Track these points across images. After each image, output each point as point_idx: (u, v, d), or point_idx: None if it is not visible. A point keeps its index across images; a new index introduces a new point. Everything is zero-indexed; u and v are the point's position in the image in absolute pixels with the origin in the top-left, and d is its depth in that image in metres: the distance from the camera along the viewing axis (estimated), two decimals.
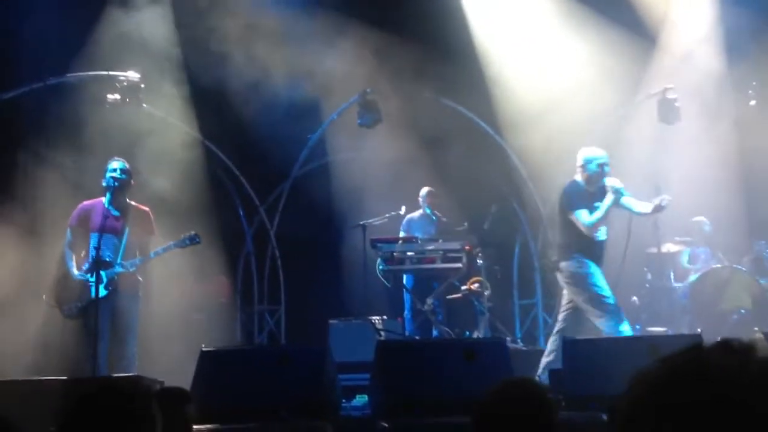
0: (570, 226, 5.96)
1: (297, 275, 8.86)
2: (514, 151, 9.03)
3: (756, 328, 5.11)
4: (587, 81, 8.39)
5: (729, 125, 8.13)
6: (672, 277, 7.77)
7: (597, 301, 5.84)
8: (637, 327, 7.73)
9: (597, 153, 6.14)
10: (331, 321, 7.37)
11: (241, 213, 9.01)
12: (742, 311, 7.17)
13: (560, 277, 6.07)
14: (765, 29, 7.95)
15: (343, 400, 5.15)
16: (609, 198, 5.89)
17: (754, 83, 7.96)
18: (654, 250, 7.77)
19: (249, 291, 8.87)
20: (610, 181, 5.96)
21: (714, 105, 8.11)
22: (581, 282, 5.89)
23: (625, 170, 8.49)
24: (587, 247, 5.92)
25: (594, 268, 5.89)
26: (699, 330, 5.40)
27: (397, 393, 4.40)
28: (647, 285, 7.90)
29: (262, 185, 9.01)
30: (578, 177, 6.10)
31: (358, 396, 5.39)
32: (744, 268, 7.48)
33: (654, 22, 8.58)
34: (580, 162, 6.12)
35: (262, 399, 4.40)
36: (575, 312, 6.01)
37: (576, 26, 8.51)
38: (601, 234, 6.01)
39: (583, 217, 5.90)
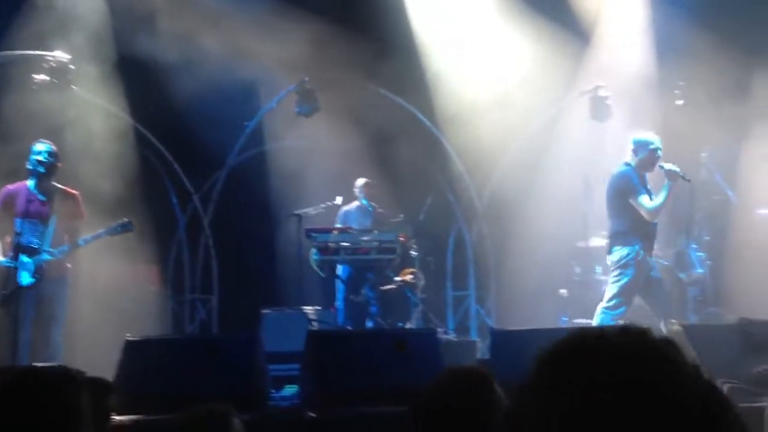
0: (626, 212, 5.94)
1: (230, 264, 8.77)
2: (451, 144, 9.13)
3: (673, 320, 5.30)
4: (524, 77, 8.54)
5: (656, 124, 8.39)
6: (599, 270, 7.98)
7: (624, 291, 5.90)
8: (564, 319, 7.94)
9: (649, 137, 6.14)
10: (263, 311, 7.32)
11: (174, 200, 8.85)
12: None
13: (608, 261, 6.11)
14: (693, 31, 8.23)
15: (273, 390, 5.13)
16: (667, 182, 5.86)
17: (681, 83, 8.23)
18: (582, 244, 7.98)
19: (181, 280, 8.73)
20: (667, 165, 5.93)
21: (643, 104, 8.36)
22: (626, 268, 5.92)
23: (556, 166, 8.73)
24: (645, 233, 5.93)
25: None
26: (620, 321, 5.57)
27: (327, 383, 4.41)
28: (575, 278, 8.11)
29: (197, 172, 8.87)
30: (630, 161, 6.07)
31: (287, 386, 5.37)
32: (666, 262, 7.74)
33: (588, 20, 8.79)
34: (631, 146, 6.10)
35: (188, 389, 4.34)
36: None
37: (514, 23, 8.65)
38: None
39: (644, 202, 5.88)
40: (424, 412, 1.90)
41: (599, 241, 8.15)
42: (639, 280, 5.94)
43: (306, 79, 8.21)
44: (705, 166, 7.90)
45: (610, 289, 6.01)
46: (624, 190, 5.97)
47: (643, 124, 8.36)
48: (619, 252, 5.96)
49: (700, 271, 7.75)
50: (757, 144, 7.94)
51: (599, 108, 8.17)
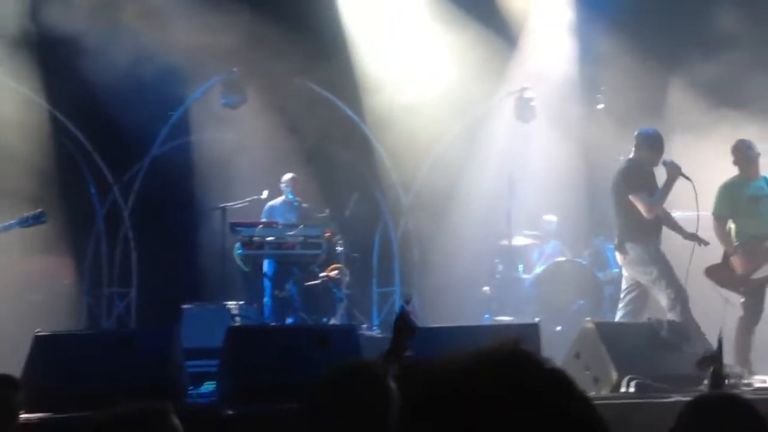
0: (630, 208, 5.85)
1: (151, 258, 8.53)
2: (379, 141, 9.15)
3: (588, 318, 5.46)
4: (452, 76, 8.65)
5: (577, 126, 8.65)
6: (521, 268, 8.17)
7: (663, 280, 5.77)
8: (487, 316, 8.08)
9: (652, 132, 6.10)
10: (184, 306, 7.17)
11: (93, 191, 8.56)
12: (581, 302, 7.65)
13: (621, 259, 6.00)
14: (615, 37, 8.50)
15: (191, 387, 5.02)
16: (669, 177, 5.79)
17: (603, 88, 8.50)
18: (505, 242, 8.14)
19: (98, 273, 8.46)
20: (669, 160, 5.88)
21: (566, 106, 8.59)
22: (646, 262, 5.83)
23: (482, 165, 8.87)
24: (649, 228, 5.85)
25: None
26: (537, 320, 5.70)
27: (245, 379, 4.35)
28: (498, 276, 8.26)
29: (117, 162, 8.60)
30: (632, 156, 6.01)
31: (206, 383, 5.27)
32: (584, 262, 7.99)
33: (515, 23, 8.97)
34: (634, 141, 6.03)
35: (102, 385, 4.21)
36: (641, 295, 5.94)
37: (443, 23, 8.74)
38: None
39: (643, 198, 5.79)
40: (314, 409, 1.88)
41: (522, 239, 8.34)
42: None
43: (234, 70, 8.08)
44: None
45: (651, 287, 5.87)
46: (625, 185, 5.89)
47: (566, 126, 8.61)
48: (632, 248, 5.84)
49: (616, 270, 8.01)
50: (672, 153, 8.23)
51: (524, 109, 8.35)
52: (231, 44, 8.01)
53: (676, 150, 7.92)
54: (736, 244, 5.97)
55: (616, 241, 6.07)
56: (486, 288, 8.32)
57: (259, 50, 8.04)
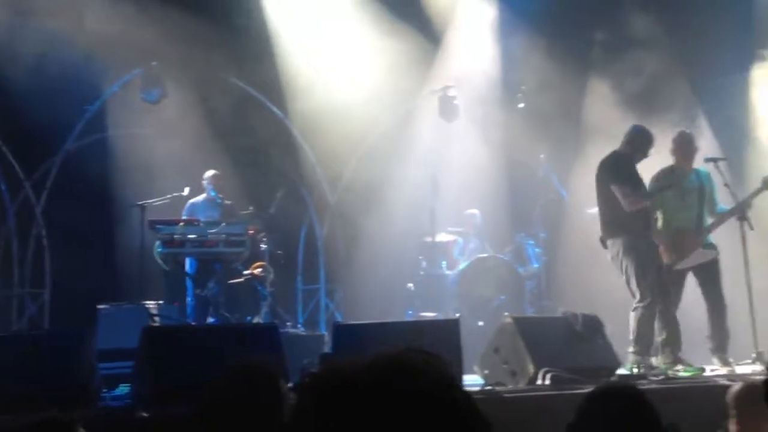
0: (611, 200, 5.78)
1: (65, 257, 8.23)
2: (304, 138, 9.10)
3: (506, 313, 5.57)
4: (377, 75, 8.67)
5: (499, 125, 8.82)
6: (444, 265, 8.26)
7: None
8: (410, 312, 8.14)
9: (642, 128, 6.06)
10: (100, 306, 6.95)
11: (3, 188, 8.20)
12: (502, 297, 7.80)
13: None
14: (536, 38, 8.70)
15: (106, 390, 4.87)
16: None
17: (523, 87, 8.68)
18: (429, 239, 8.22)
19: (8, 273, 8.10)
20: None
21: (488, 105, 8.75)
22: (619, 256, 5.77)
23: (406, 162, 8.94)
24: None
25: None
26: (458, 315, 5.79)
27: (161, 380, 4.25)
28: (422, 272, 8.33)
29: (29, 158, 8.25)
30: (620, 149, 5.96)
31: (122, 385, 5.13)
32: (506, 258, 8.15)
33: (440, 23, 9.07)
34: (627, 135, 5.97)
35: (9, 388, 4.04)
36: None
37: (370, 22, 8.75)
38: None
39: (624, 190, 5.72)
40: (209, 410, 1.85)
41: (445, 236, 8.45)
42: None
43: (154, 64, 7.87)
44: (542, 166, 8.37)
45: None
46: (606, 175, 5.87)
47: (488, 125, 8.76)
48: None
49: (536, 265, 8.22)
50: (589, 155, 8.48)
51: (448, 107, 8.45)
52: (151, 38, 7.82)
53: (593, 151, 8.19)
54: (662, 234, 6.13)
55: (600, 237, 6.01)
56: (410, 284, 8.38)
57: (181, 45, 7.87)
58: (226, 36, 8.16)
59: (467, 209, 8.70)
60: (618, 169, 5.83)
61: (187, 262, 7.75)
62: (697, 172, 6.20)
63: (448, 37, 9.10)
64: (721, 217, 6.15)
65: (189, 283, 7.74)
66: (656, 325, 5.72)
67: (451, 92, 8.51)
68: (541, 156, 8.46)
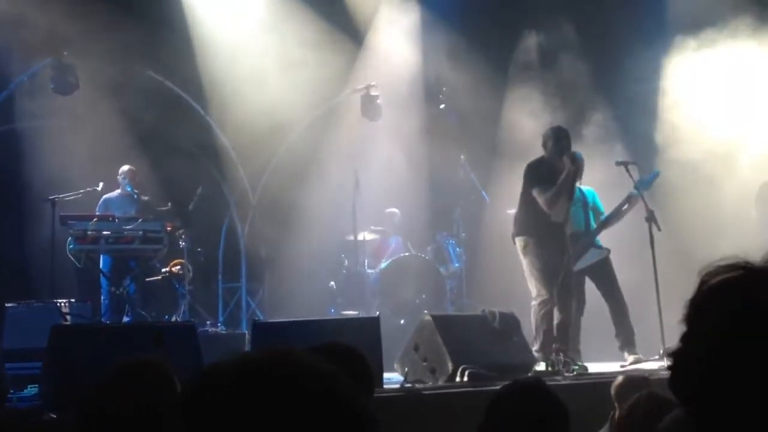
0: (527, 202, 5.87)
1: None
2: (226, 135, 8.96)
3: (426, 311, 5.64)
4: (300, 73, 8.61)
5: (421, 125, 8.92)
6: (366, 263, 8.29)
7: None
8: (332, 310, 8.14)
9: (557, 127, 6.12)
10: (8, 304, 6.65)
11: None
12: (423, 296, 7.89)
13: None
14: (457, 41, 8.83)
15: (13, 391, 4.67)
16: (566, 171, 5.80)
17: (444, 89, 8.80)
18: (351, 237, 8.23)
19: None
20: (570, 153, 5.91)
21: (410, 105, 8.82)
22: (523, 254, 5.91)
23: (328, 161, 8.92)
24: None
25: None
26: (377, 313, 5.82)
27: (69, 381, 4.10)
28: (344, 271, 8.34)
29: None
30: (544, 154, 6.02)
31: (30, 386, 4.93)
32: (427, 257, 8.24)
33: (363, 22, 9.09)
34: (542, 138, 6.03)
35: None
36: None
37: (293, 20, 8.68)
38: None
39: (544, 192, 5.82)
40: (92, 413, 1.77)
41: (367, 235, 8.48)
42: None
43: (66, 53, 7.58)
44: (463, 167, 8.50)
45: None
46: (526, 179, 5.99)
47: (410, 125, 8.84)
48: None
49: (457, 265, 8.34)
50: (509, 154, 8.68)
51: (370, 107, 8.48)
52: (62, 26, 7.52)
53: (513, 153, 8.39)
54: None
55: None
56: (332, 283, 8.38)
57: (94, 34, 7.60)
58: (143, 27, 7.92)
59: (387, 208, 8.76)
60: (536, 173, 5.97)
61: (102, 259, 7.51)
62: (581, 190, 6.48)
63: (370, 36, 9.13)
64: (605, 222, 6.50)
65: (103, 280, 7.50)
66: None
67: (374, 91, 8.54)
68: (462, 157, 8.59)
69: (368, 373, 2.01)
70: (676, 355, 0.86)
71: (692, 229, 7.56)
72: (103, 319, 7.29)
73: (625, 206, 6.34)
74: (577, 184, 6.21)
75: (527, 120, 8.48)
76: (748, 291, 0.80)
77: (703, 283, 0.85)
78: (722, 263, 0.84)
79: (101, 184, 7.62)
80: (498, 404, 1.96)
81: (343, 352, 2.02)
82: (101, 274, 7.49)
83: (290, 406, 0.75)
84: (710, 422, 0.80)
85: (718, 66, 8.02)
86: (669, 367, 0.86)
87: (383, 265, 8.09)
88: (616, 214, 6.45)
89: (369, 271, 8.17)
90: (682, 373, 0.84)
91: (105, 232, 7.08)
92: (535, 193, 5.90)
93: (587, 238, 6.45)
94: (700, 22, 8.00)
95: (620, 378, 3.69)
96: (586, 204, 6.54)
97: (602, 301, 6.42)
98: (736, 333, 0.78)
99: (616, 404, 3.51)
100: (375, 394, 4.36)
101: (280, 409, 0.75)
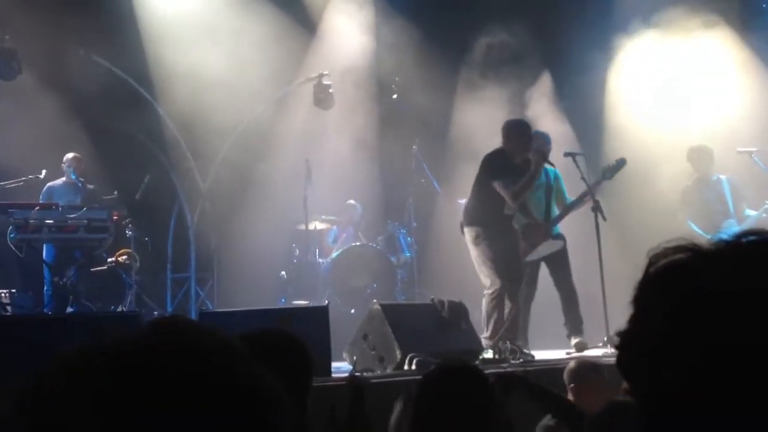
0: (481, 194, 5.93)
1: None
2: (174, 123, 8.80)
3: (374, 300, 5.64)
4: (251, 61, 8.51)
5: (373, 115, 8.90)
6: (317, 253, 8.26)
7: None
8: (283, 300, 8.09)
9: (517, 121, 6.14)
10: None
11: None
12: (374, 285, 7.89)
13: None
14: (410, 31, 8.82)
15: None
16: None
17: (397, 78, 8.79)
18: (302, 227, 8.18)
19: None
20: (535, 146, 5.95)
21: (362, 95, 8.79)
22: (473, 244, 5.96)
23: (280, 150, 8.85)
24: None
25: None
26: (326, 302, 5.80)
27: (5, 375, 3.97)
28: (295, 260, 8.30)
29: None
30: (502, 146, 6.04)
31: None
32: (378, 247, 8.24)
33: (316, 9, 9.00)
34: (502, 132, 6.03)
35: None
36: None
37: (244, 8, 8.55)
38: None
39: (506, 185, 5.86)
40: (29, 404, 1.71)
41: (318, 224, 8.44)
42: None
43: (7, 37, 7.34)
44: (415, 157, 8.52)
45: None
46: (484, 172, 6.03)
47: (362, 115, 8.82)
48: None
49: (408, 254, 8.36)
50: (461, 145, 8.71)
51: (323, 96, 8.42)
52: (3, 11, 7.28)
53: (465, 144, 8.45)
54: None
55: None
56: (283, 272, 8.33)
57: (38, 19, 7.37)
58: (90, 12, 7.72)
59: (347, 200, 8.73)
60: (497, 165, 6.01)
61: (45, 248, 7.32)
62: (545, 169, 6.50)
63: (323, 25, 9.05)
64: (566, 209, 6.53)
65: (46, 271, 7.32)
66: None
67: (326, 80, 8.48)
68: (414, 147, 8.60)
69: (305, 362, 1.99)
70: (623, 336, 0.86)
71: (633, 220, 7.72)
72: (45, 310, 7.13)
73: (587, 196, 6.37)
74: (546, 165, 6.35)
75: (479, 111, 8.53)
76: (695, 272, 0.80)
77: (650, 264, 0.84)
78: (670, 245, 0.84)
79: (44, 172, 7.43)
80: (424, 387, 1.98)
81: (278, 341, 2.00)
82: (44, 264, 7.31)
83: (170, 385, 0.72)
84: (654, 402, 0.80)
85: (663, 62, 8.20)
86: (616, 347, 0.87)
87: (334, 254, 8.07)
88: (579, 203, 6.46)
89: (320, 260, 8.14)
90: (629, 353, 0.85)
91: (48, 221, 6.91)
92: (498, 185, 5.94)
93: (546, 228, 6.45)
94: (645, 20, 8.17)
95: (573, 363, 3.82)
96: (549, 190, 6.52)
97: (552, 288, 6.50)
98: (682, 314, 0.78)
99: (570, 388, 3.62)
100: (324, 383, 4.37)
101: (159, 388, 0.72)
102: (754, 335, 0.75)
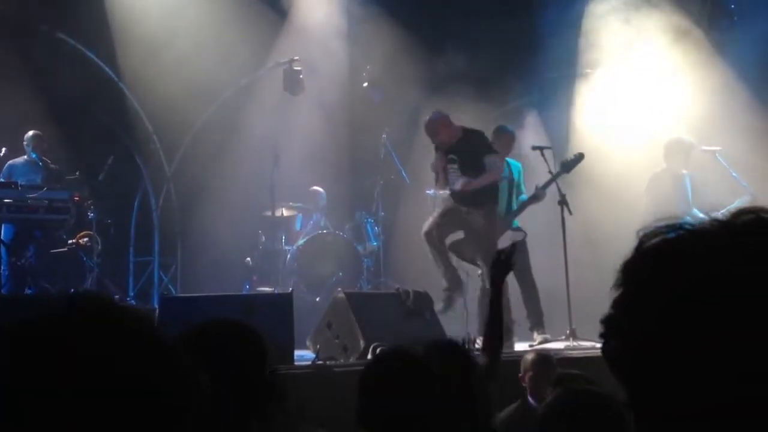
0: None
1: None
2: (140, 104, 8.64)
3: (339, 289, 5.62)
4: (220, 43, 8.38)
5: (343, 102, 8.84)
6: (284, 240, 8.20)
7: None
8: (247, 286, 8.03)
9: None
10: None
11: None
12: (340, 274, 7.86)
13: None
14: (382, 19, 8.76)
15: None
16: None
17: (368, 66, 8.73)
18: (269, 213, 8.11)
19: None
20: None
21: (332, 81, 8.72)
22: None
23: (247, 135, 8.75)
24: None
25: None
26: (290, 289, 5.77)
27: None
28: (260, 247, 8.23)
29: None
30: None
31: None
32: (345, 235, 8.21)
33: None
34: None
35: None
36: None
37: None
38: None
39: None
40: None
41: (285, 211, 8.38)
42: None
43: None
44: (384, 146, 8.48)
45: None
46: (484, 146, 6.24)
47: (332, 102, 8.76)
48: None
49: (375, 243, 8.34)
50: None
51: (292, 81, 8.32)
52: None
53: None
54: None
55: None
56: (248, 259, 8.25)
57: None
58: None
59: (312, 186, 8.66)
60: (488, 141, 6.30)
61: (3, 228, 7.16)
62: (509, 163, 6.59)
63: (295, 9, 8.95)
64: (523, 204, 6.63)
65: (3, 250, 7.16)
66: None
67: (297, 66, 8.39)
68: (384, 136, 8.56)
69: (259, 352, 1.97)
70: (608, 322, 0.78)
71: (599, 215, 7.79)
72: (2, 291, 6.98)
73: (545, 189, 6.44)
74: (508, 157, 6.52)
75: (450, 102, 8.51)
76: (686, 252, 0.75)
77: (640, 244, 0.78)
78: (660, 224, 0.78)
79: (4, 150, 7.27)
80: (366, 375, 1.99)
81: (231, 331, 1.98)
82: (1, 244, 7.15)
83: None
84: (643, 391, 0.75)
85: (629, 62, 8.29)
86: (601, 335, 0.80)
87: (300, 242, 8.02)
88: (539, 197, 6.54)
89: (286, 247, 8.09)
90: (615, 340, 0.78)
91: (6, 200, 6.78)
92: (497, 158, 6.19)
93: (506, 221, 6.52)
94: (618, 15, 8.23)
95: (531, 354, 4.20)
96: (511, 182, 6.62)
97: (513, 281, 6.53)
98: (674, 295, 0.73)
99: (526, 377, 3.96)
100: (287, 371, 4.34)
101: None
102: (757, 318, 0.70)
